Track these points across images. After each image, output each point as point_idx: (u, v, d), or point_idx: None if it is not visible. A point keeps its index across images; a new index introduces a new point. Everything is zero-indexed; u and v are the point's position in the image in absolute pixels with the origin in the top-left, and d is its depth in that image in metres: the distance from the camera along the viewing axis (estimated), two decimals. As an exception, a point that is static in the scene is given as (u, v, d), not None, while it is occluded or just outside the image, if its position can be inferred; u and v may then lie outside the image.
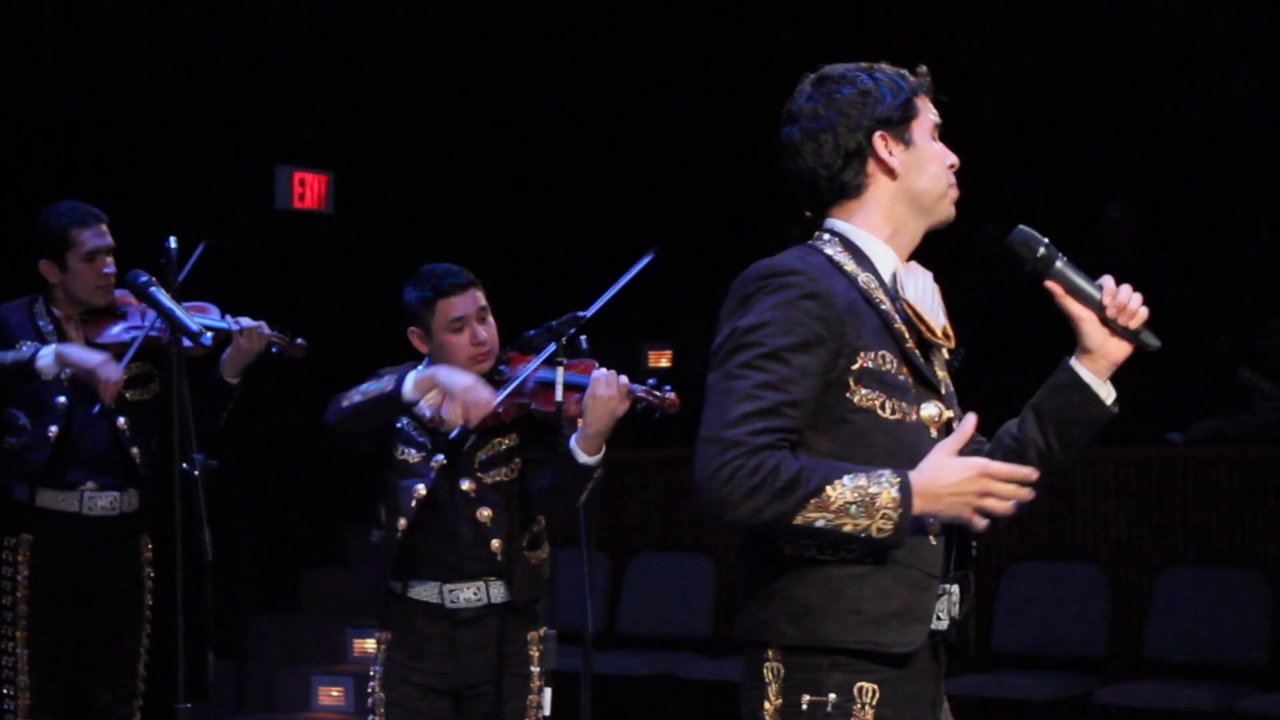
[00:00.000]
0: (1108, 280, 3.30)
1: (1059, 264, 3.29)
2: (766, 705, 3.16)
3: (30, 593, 5.78)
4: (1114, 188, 10.39)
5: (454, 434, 4.92)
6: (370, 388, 4.87)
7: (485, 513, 4.99)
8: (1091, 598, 8.23)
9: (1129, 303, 3.27)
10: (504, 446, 5.05)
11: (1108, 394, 3.33)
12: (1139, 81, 11.06)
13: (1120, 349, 3.31)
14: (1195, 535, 8.24)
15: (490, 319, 5.07)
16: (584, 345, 5.07)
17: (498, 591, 5.00)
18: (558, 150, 11.82)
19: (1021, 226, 3.30)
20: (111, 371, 5.53)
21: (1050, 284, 3.29)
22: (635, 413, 4.93)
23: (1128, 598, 8.28)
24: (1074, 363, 3.32)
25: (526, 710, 5.05)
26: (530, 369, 4.94)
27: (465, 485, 4.98)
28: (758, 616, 3.16)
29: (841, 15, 10.86)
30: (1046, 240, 3.30)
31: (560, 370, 4.87)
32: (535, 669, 5.07)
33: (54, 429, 5.75)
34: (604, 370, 4.85)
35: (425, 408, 4.79)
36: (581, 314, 4.91)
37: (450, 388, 4.75)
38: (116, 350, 5.72)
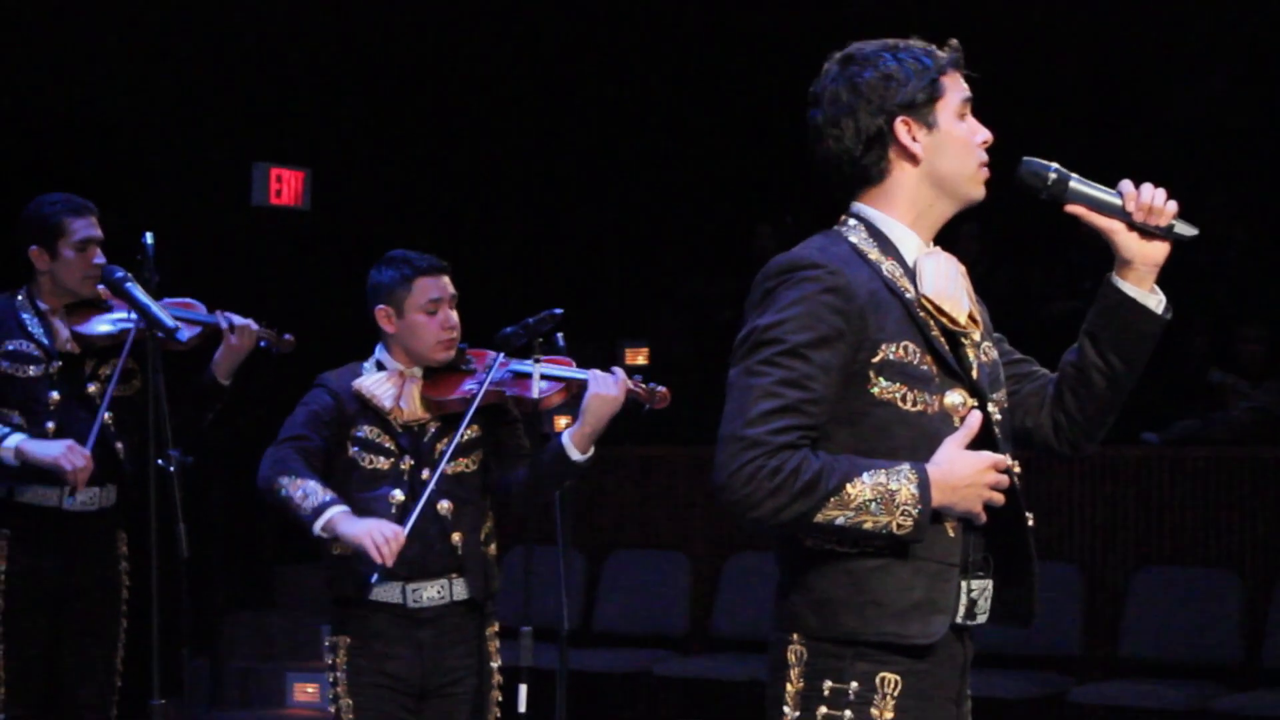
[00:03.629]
0: (1126, 185, 3.24)
1: (1073, 184, 3.23)
2: (788, 687, 3.12)
3: (7, 588, 5.76)
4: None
5: (374, 578, 4.88)
6: (294, 493, 4.83)
7: (445, 505, 4.96)
8: (1067, 597, 8.23)
9: (1154, 201, 3.22)
10: (465, 438, 5.03)
11: (1157, 303, 3.28)
12: (1117, 83, 11.08)
13: (1158, 250, 3.25)
14: (1171, 535, 8.25)
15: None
16: (561, 343, 5.08)
17: (459, 589, 4.99)
18: (534, 147, 11.82)
19: (1026, 158, 3.23)
20: (76, 459, 5.53)
21: (1071, 208, 3.24)
22: (625, 407, 4.93)
23: (1103, 597, 8.29)
24: (1115, 278, 3.27)
25: (488, 707, 5.06)
26: (499, 359, 4.96)
27: (425, 475, 4.95)
28: (783, 607, 3.15)
29: (813, 19, 10.86)
30: (1055, 165, 3.24)
31: (536, 366, 4.88)
32: (494, 664, 5.08)
33: (50, 425, 5.74)
34: (607, 371, 4.87)
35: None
36: (558, 311, 4.92)
37: (355, 539, 4.72)
38: (101, 342, 5.73)
